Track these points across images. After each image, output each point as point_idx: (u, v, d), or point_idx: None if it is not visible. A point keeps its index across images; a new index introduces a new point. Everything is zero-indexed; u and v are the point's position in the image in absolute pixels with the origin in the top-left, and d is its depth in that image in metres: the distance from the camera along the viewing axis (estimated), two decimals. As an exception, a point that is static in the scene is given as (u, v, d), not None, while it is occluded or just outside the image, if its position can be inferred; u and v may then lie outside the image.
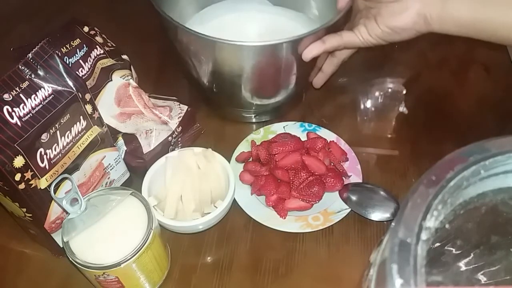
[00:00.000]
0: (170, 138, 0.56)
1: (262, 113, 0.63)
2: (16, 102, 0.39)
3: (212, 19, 0.62)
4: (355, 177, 0.55)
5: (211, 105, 0.65)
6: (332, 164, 0.55)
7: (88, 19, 0.57)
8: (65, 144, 0.43)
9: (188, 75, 0.59)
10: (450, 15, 0.46)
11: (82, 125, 0.45)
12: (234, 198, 0.52)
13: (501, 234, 0.32)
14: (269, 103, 0.60)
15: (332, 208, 0.52)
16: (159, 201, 0.50)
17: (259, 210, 0.52)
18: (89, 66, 0.54)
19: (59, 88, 0.42)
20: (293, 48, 0.49)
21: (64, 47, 0.52)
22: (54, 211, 0.45)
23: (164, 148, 0.56)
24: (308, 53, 0.51)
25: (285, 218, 0.51)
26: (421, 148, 0.60)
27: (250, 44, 0.48)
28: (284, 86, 0.57)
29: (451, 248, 0.32)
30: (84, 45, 0.54)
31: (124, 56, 0.60)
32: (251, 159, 0.57)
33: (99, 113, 0.47)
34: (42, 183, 0.42)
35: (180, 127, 0.58)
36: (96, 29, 0.57)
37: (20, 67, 0.40)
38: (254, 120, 0.63)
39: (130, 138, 0.56)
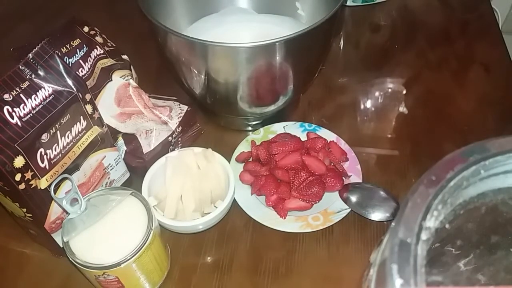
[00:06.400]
0: (170, 138, 0.56)
1: (259, 120, 0.63)
2: (16, 102, 0.39)
3: (203, 32, 0.62)
4: (355, 177, 0.55)
5: (207, 112, 0.65)
6: (332, 164, 0.55)
7: (88, 19, 0.57)
8: (65, 144, 0.43)
9: (184, 86, 0.59)
10: None
11: (82, 125, 0.45)
12: (234, 198, 0.52)
13: (501, 234, 0.32)
14: (267, 110, 0.60)
15: (332, 208, 0.52)
16: (159, 201, 0.50)
17: (259, 210, 0.52)
18: (89, 66, 0.54)
19: (59, 88, 0.42)
20: (286, 48, 0.49)
21: (64, 47, 0.52)
22: (54, 211, 0.45)
23: (164, 148, 0.56)
24: None
25: (285, 218, 0.51)
26: (421, 148, 0.60)
27: (244, 46, 0.47)
28: (281, 91, 0.57)
29: (451, 248, 0.32)
30: (84, 45, 0.54)
31: (124, 56, 0.60)
32: (251, 159, 0.57)
33: (99, 113, 0.47)
34: (42, 183, 0.42)
35: (180, 127, 0.58)
36: (96, 29, 0.57)
37: (20, 67, 0.40)
38: (251, 128, 0.63)
39: (130, 138, 0.56)
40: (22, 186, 0.40)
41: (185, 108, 0.59)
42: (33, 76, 0.40)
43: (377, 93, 0.68)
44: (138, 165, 0.55)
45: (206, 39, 0.47)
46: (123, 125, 0.56)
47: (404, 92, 0.69)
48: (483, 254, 0.33)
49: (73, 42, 0.53)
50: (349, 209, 0.52)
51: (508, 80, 0.69)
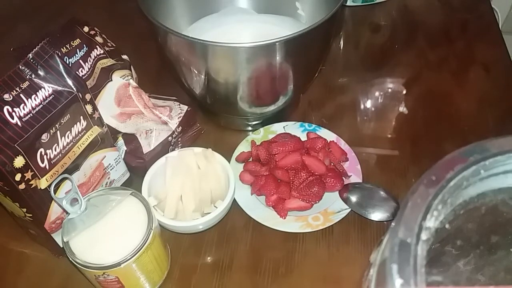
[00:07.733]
0: (170, 138, 0.56)
1: (259, 120, 0.63)
2: (16, 102, 0.39)
3: (203, 32, 0.63)
4: (355, 177, 0.55)
5: (207, 112, 0.65)
6: (332, 164, 0.55)
7: (88, 19, 0.57)
8: (65, 144, 0.43)
9: (184, 86, 0.59)
10: None
11: (82, 125, 0.45)
12: (234, 198, 0.52)
13: (501, 234, 0.32)
14: (267, 110, 0.60)
15: (332, 208, 0.52)
16: (159, 201, 0.50)
17: (259, 210, 0.52)
18: (89, 66, 0.54)
19: (59, 88, 0.42)
20: (286, 48, 0.49)
21: (64, 47, 0.52)
22: (54, 211, 0.45)
23: (164, 148, 0.56)
24: None
25: (285, 218, 0.51)
26: (421, 148, 0.60)
27: (244, 46, 0.47)
28: (281, 91, 0.56)
29: (451, 248, 0.32)
30: (84, 45, 0.54)
31: (124, 56, 0.60)
32: (251, 159, 0.57)
33: (99, 113, 0.47)
34: (42, 183, 0.42)
35: (180, 127, 0.58)
36: (96, 29, 0.57)
37: (20, 67, 0.40)
38: (251, 128, 0.63)
39: (130, 138, 0.56)
40: (22, 186, 0.40)
41: (185, 108, 0.59)
42: (33, 76, 0.40)
43: (377, 93, 0.68)
44: (138, 165, 0.55)
45: (206, 39, 0.48)
46: (123, 125, 0.56)
47: (404, 92, 0.69)
48: (483, 254, 0.33)
49: (73, 42, 0.53)
50: (349, 209, 0.52)
51: (508, 80, 0.69)
